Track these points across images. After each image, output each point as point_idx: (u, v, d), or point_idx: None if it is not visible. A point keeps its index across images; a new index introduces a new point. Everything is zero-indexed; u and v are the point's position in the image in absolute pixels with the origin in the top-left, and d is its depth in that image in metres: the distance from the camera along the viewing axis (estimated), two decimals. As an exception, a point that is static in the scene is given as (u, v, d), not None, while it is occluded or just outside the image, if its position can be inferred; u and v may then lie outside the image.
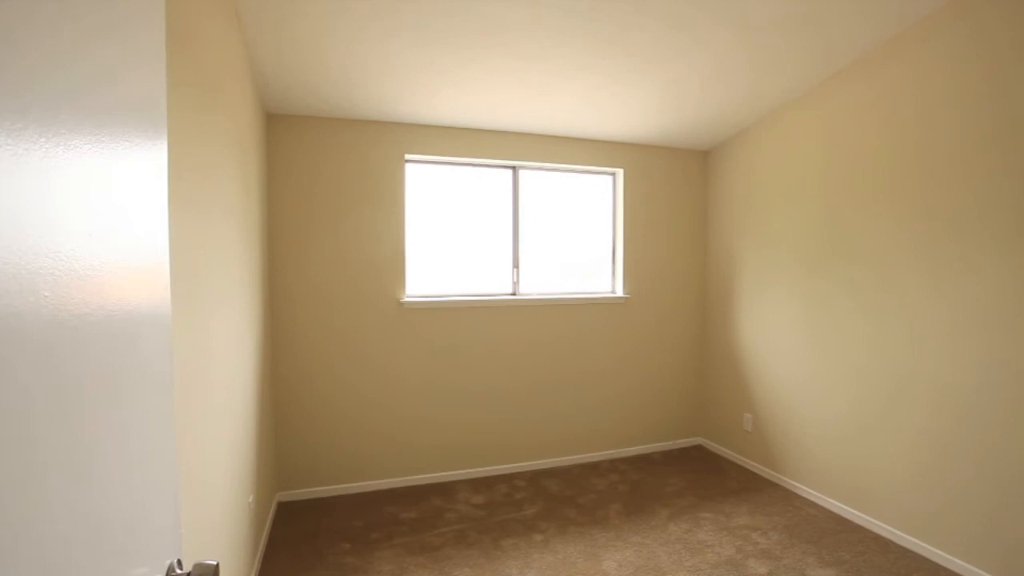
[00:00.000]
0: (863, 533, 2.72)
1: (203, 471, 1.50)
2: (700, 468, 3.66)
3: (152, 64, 0.75)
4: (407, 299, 3.32)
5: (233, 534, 1.89)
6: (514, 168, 3.63)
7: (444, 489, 3.31)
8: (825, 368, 3.04)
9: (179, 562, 0.71)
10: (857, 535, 2.71)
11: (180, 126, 1.29)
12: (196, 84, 1.46)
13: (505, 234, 3.65)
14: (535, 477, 3.50)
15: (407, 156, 3.34)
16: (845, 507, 2.91)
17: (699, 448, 4.05)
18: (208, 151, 1.62)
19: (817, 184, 3.07)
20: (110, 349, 0.60)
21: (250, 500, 2.24)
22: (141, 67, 0.70)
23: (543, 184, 3.74)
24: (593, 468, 3.66)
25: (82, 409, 0.52)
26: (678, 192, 3.97)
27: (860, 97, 2.78)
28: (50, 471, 0.46)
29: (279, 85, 2.72)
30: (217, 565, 0.70)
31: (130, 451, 0.65)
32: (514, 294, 3.64)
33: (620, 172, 3.83)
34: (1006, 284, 2.19)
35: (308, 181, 3.12)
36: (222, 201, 1.82)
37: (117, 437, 0.61)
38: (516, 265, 3.65)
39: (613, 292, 3.90)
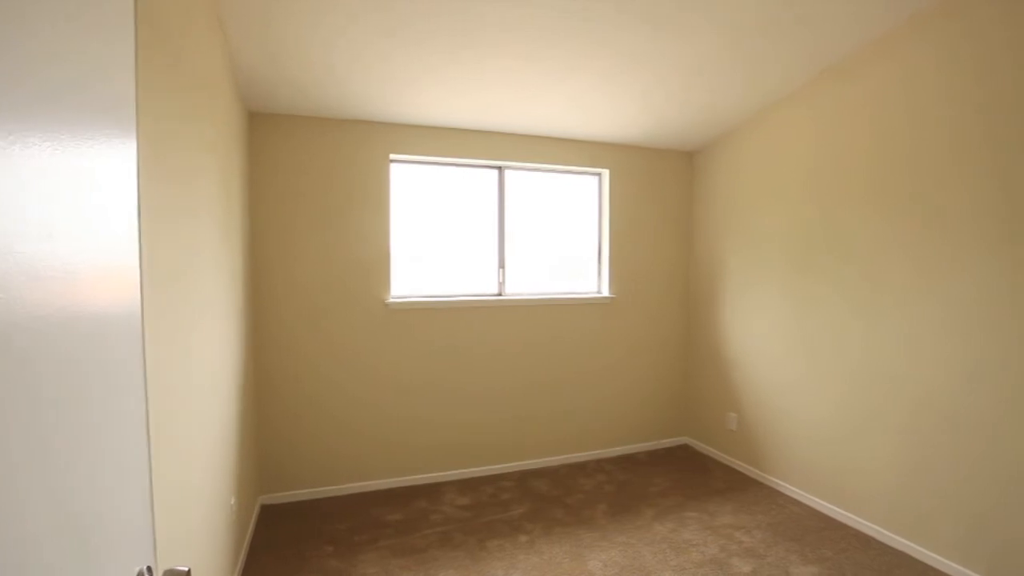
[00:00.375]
0: (846, 531, 2.76)
1: (181, 474, 1.48)
2: (686, 467, 3.68)
3: (122, 66, 0.73)
4: (392, 299, 3.30)
5: (213, 538, 1.87)
6: (500, 168, 3.63)
7: (430, 490, 3.30)
8: (813, 368, 3.06)
9: (149, 569, 0.70)
10: (840, 532, 2.74)
11: (153, 126, 1.27)
12: (172, 84, 1.44)
13: (490, 234, 3.64)
14: (523, 477, 3.50)
15: (392, 156, 3.32)
16: (829, 505, 2.94)
17: (685, 447, 4.07)
18: (186, 152, 1.59)
19: (805, 184, 3.08)
20: (76, 351, 0.58)
21: (232, 503, 2.21)
22: (111, 69, 0.69)
23: (529, 184, 3.73)
24: (580, 468, 3.66)
25: (45, 409, 0.51)
26: (663, 193, 3.99)
27: (849, 96, 2.78)
28: (12, 470, 0.45)
29: (263, 83, 2.68)
30: (188, 571, 0.69)
31: (98, 453, 0.63)
32: (500, 294, 3.64)
33: (606, 172, 3.84)
34: (996, 284, 2.19)
35: (293, 180, 3.09)
36: (202, 202, 1.79)
37: (85, 439, 0.60)
38: (502, 265, 3.64)
39: (599, 292, 3.91)
